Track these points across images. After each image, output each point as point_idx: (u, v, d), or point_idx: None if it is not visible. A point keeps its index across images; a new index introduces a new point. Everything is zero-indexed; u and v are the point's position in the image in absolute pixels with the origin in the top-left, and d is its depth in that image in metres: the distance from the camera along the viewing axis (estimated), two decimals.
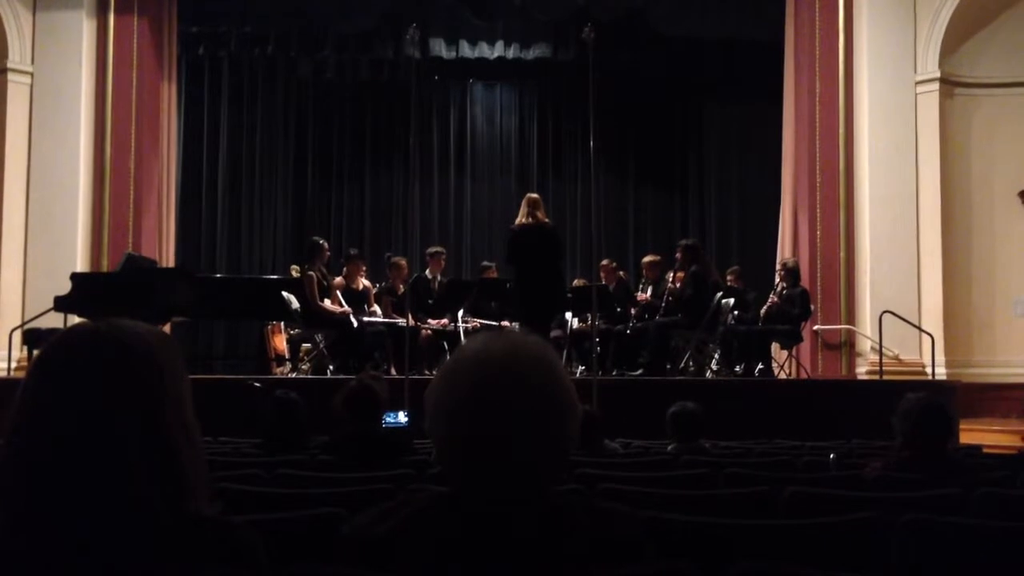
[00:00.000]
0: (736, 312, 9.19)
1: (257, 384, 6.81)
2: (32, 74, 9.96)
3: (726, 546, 2.07)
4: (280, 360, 9.38)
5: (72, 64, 9.98)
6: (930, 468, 3.17)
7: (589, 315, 8.72)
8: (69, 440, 1.16)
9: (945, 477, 3.06)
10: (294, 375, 8.94)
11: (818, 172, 10.16)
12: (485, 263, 10.23)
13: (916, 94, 9.95)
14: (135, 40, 10.24)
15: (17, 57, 9.91)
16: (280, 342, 9.50)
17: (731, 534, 2.12)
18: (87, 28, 10.07)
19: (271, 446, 4.26)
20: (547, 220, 8.05)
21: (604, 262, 9.82)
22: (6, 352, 9.18)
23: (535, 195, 8.29)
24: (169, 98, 10.80)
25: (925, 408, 3.29)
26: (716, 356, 9.13)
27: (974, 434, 7.89)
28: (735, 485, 2.99)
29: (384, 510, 1.35)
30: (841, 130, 10.08)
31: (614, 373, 8.78)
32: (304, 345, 9.35)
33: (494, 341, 1.35)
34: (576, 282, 9.80)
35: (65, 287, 7.96)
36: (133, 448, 1.18)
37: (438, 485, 1.38)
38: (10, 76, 9.89)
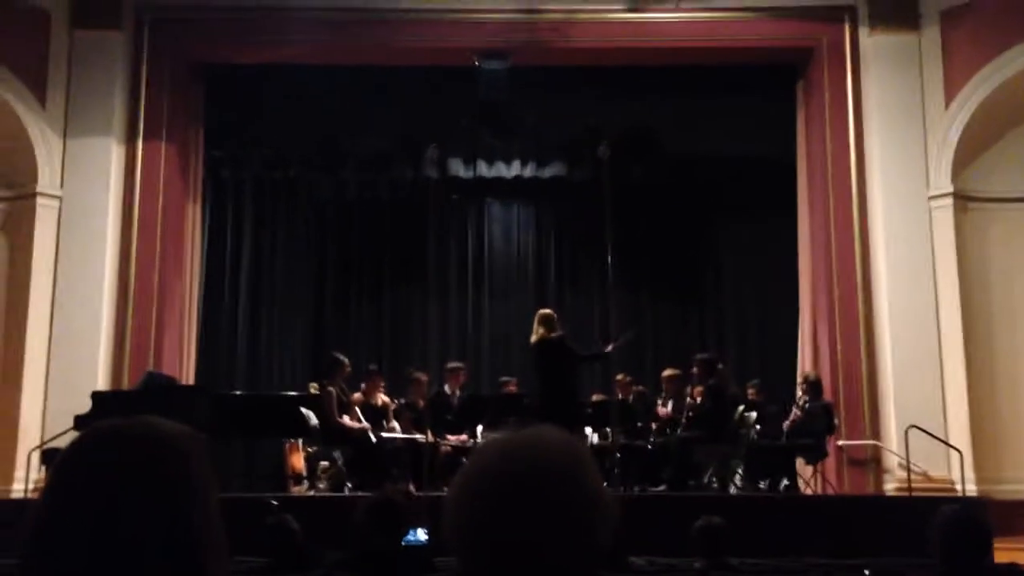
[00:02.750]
0: (758, 426, 9.08)
1: (274, 502, 6.71)
2: (61, 198, 10.17)
3: None
4: (298, 479, 9.27)
5: (100, 188, 10.20)
6: None
7: (608, 430, 8.65)
8: (88, 540, 1.13)
9: None
10: (312, 493, 8.82)
11: (836, 287, 10.18)
12: (503, 378, 10.20)
13: (930, 209, 10.02)
14: (162, 165, 10.49)
15: (47, 181, 10.14)
16: (298, 460, 9.40)
17: None
18: (116, 153, 10.32)
19: (278, 566, 4.20)
20: (554, 334, 8.11)
21: (619, 376, 9.77)
22: (24, 473, 9.12)
23: (545, 311, 8.40)
24: (193, 219, 11.03)
25: (962, 521, 3.20)
26: (740, 471, 8.97)
27: (1009, 553, 7.61)
28: None
29: None
30: (857, 246, 10.14)
31: (636, 489, 8.62)
32: (322, 463, 9.25)
33: (516, 440, 1.29)
34: (595, 397, 9.73)
35: (86, 407, 7.97)
36: (156, 551, 1.14)
37: None
38: (39, 200, 10.09)
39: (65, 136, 10.23)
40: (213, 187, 11.91)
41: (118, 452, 1.19)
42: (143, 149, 10.42)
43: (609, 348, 8.48)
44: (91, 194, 10.18)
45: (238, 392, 10.37)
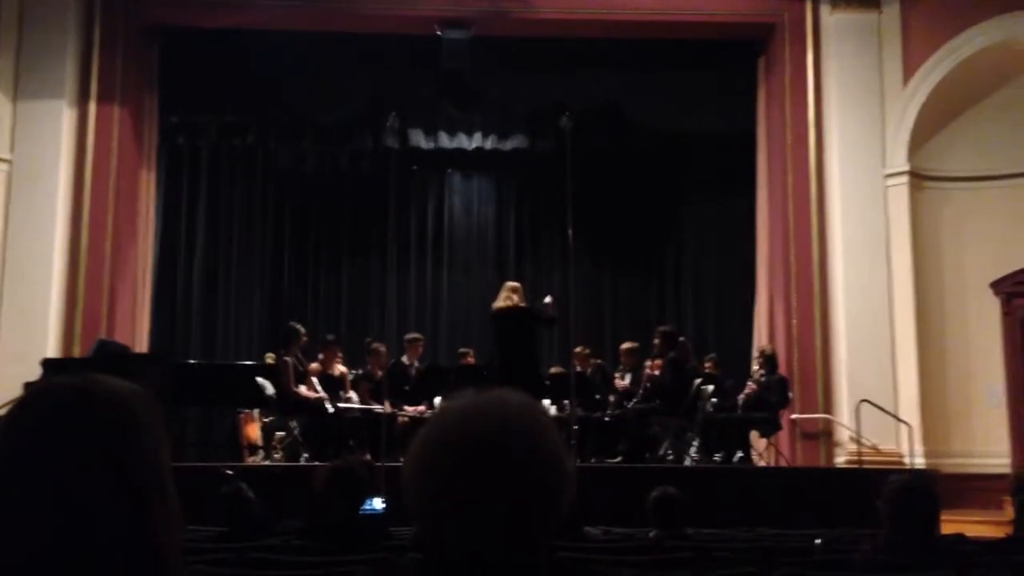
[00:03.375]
0: (715, 400, 9.17)
1: (229, 472, 6.65)
2: (10, 161, 9.94)
3: None
4: (253, 449, 9.21)
5: (51, 152, 9.99)
6: (919, 551, 3.11)
7: (567, 402, 8.69)
8: (32, 501, 1.09)
9: (935, 561, 3.00)
10: (267, 463, 8.77)
11: (792, 262, 10.29)
12: (462, 350, 10.19)
13: (886, 187, 10.15)
14: (115, 129, 10.28)
15: None
16: (253, 430, 9.34)
17: None
18: (68, 117, 10.10)
19: (233, 535, 4.18)
20: (524, 304, 8.14)
21: (578, 349, 9.81)
22: None
23: (514, 282, 8.43)
24: (148, 186, 10.84)
25: (911, 489, 3.24)
26: (695, 444, 9.06)
27: (955, 525, 7.78)
28: (722, 568, 2.93)
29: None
30: (814, 221, 10.25)
31: (592, 461, 8.68)
32: (278, 434, 9.20)
33: (477, 403, 1.27)
34: (553, 370, 9.76)
35: (36, 374, 7.83)
36: (103, 512, 1.11)
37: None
38: None
39: (15, 99, 9.98)
40: (168, 154, 11.71)
41: (64, 410, 1.16)
42: (95, 113, 10.19)
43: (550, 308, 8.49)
44: (42, 158, 9.97)
45: (192, 361, 10.25)
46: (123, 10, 10.39)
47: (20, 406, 1.17)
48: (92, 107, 10.19)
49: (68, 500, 1.10)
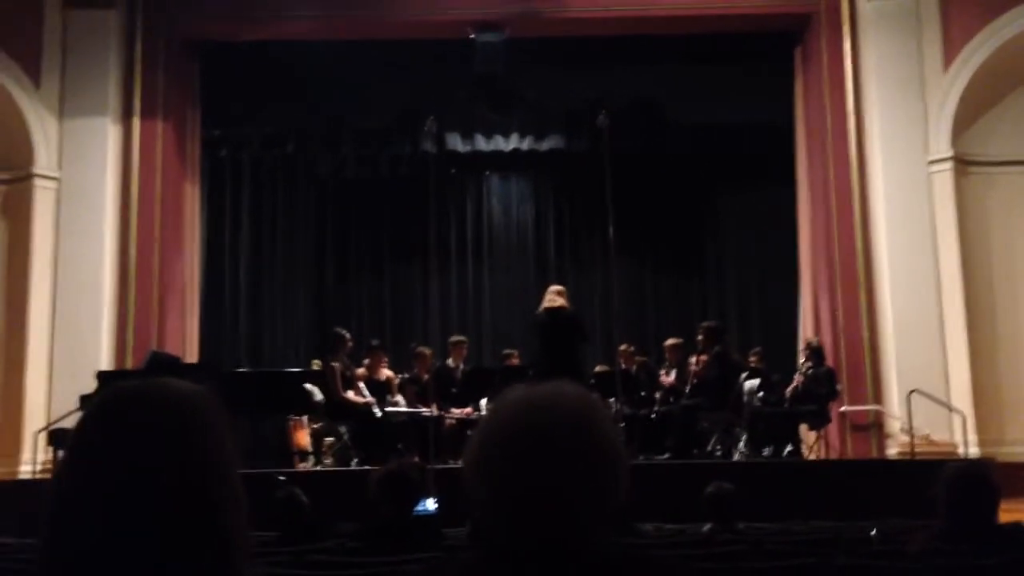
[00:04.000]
0: (761, 393, 9.11)
1: (282, 477, 6.74)
2: (59, 179, 10.14)
3: None
4: (303, 455, 9.30)
5: (98, 169, 10.17)
6: (977, 540, 3.07)
7: (612, 400, 8.67)
8: (112, 496, 1.13)
9: (993, 549, 2.96)
10: (318, 468, 8.86)
11: (836, 253, 10.17)
12: (507, 351, 10.22)
13: (930, 173, 9.99)
14: (159, 144, 10.45)
15: (44, 163, 10.11)
16: (303, 436, 9.43)
17: None
18: (112, 133, 10.29)
19: (287, 539, 4.24)
20: (567, 306, 8.14)
21: (622, 347, 9.79)
22: (31, 454, 9.15)
23: (558, 286, 8.45)
24: (192, 199, 11.00)
25: (968, 477, 3.19)
26: (743, 439, 9.00)
27: (1012, 515, 7.66)
28: (780, 560, 2.91)
29: (429, 569, 1.30)
30: (856, 210, 10.12)
31: (640, 458, 8.66)
32: (327, 439, 9.28)
33: (536, 394, 1.29)
34: (598, 368, 9.75)
35: (91, 387, 7.97)
36: (178, 507, 1.14)
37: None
38: (37, 182, 10.06)
39: (61, 117, 10.18)
40: (211, 166, 11.87)
41: (137, 411, 1.19)
42: (140, 129, 10.37)
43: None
44: (89, 175, 10.15)
45: (242, 369, 10.38)
46: (163, 26, 10.55)
47: (94, 409, 1.21)
48: (136, 123, 10.37)
49: (139, 501, 1.13)
